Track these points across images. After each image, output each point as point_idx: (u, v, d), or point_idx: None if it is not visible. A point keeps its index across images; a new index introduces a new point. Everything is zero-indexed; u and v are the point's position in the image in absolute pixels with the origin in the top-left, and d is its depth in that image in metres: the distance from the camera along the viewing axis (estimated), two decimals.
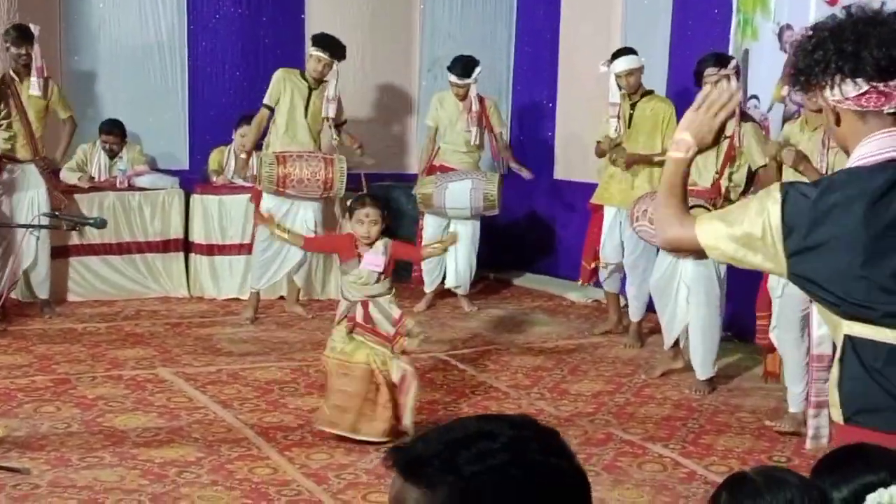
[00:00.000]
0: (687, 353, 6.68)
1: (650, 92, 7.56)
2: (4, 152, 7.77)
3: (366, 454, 5.29)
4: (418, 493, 1.42)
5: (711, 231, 2.60)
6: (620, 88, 7.45)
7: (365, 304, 5.38)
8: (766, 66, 7.40)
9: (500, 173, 8.55)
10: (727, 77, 6.28)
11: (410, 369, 5.45)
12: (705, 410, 6.22)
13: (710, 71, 6.34)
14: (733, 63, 6.37)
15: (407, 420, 5.40)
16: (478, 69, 8.38)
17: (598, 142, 7.69)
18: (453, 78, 8.38)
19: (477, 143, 8.52)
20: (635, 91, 7.48)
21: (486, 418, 1.51)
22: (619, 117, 7.46)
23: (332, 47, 7.97)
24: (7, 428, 5.48)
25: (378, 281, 5.38)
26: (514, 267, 10.00)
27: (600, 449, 5.49)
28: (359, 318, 5.38)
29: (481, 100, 8.52)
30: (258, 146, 8.38)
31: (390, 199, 9.39)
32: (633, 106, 7.51)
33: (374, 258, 5.37)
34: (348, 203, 5.79)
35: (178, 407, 5.97)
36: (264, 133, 8.20)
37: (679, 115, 7.41)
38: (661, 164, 7.43)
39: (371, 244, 5.41)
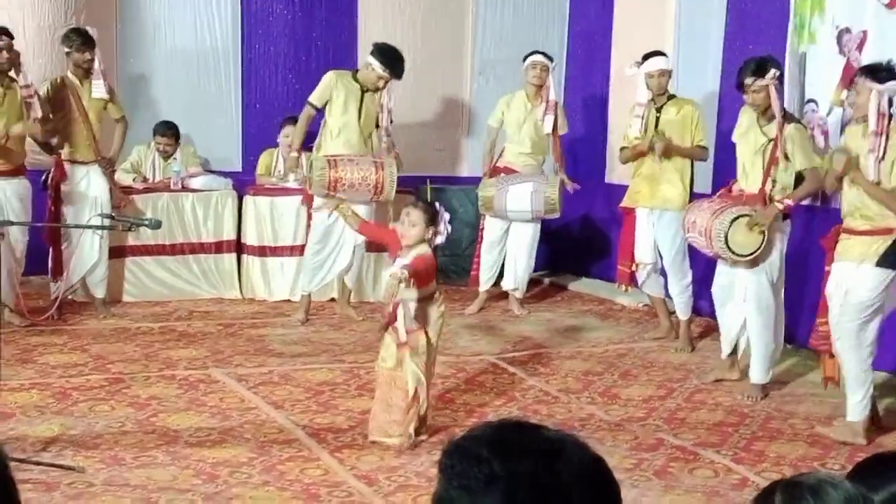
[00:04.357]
0: (746, 358, 6.65)
1: (673, 96, 7.56)
2: (69, 155, 7.88)
3: (417, 457, 5.30)
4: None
5: None
6: (648, 89, 7.45)
7: (396, 304, 5.39)
8: (824, 70, 7.33)
9: (561, 177, 8.55)
10: (767, 87, 6.25)
11: (422, 380, 5.43)
12: (757, 416, 6.17)
13: (748, 81, 6.31)
14: (773, 73, 6.28)
15: (409, 429, 5.42)
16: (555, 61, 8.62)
17: (623, 147, 7.69)
18: (536, 58, 8.45)
19: (550, 131, 8.52)
20: (662, 93, 7.48)
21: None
22: (642, 118, 7.46)
23: (395, 67, 7.94)
24: (62, 426, 5.56)
25: (407, 286, 5.31)
26: (569, 271, 9.99)
27: (651, 454, 5.45)
28: (388, 313, 5.44)
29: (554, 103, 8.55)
30: (307, 147, 8.43)
31: (441, 202, 9.41)
32: (658, 109, 7.50)
33: (401, 261, 5.34)
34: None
35: (230, 407, 6.01)
36: (313, 134, 8.25)
37: (727, 115, 7.42)
38: (691, 156, 7.44)
39: (410, 247, 5.38)
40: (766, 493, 1.81)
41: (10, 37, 7.42)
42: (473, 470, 1.50)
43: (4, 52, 7.35)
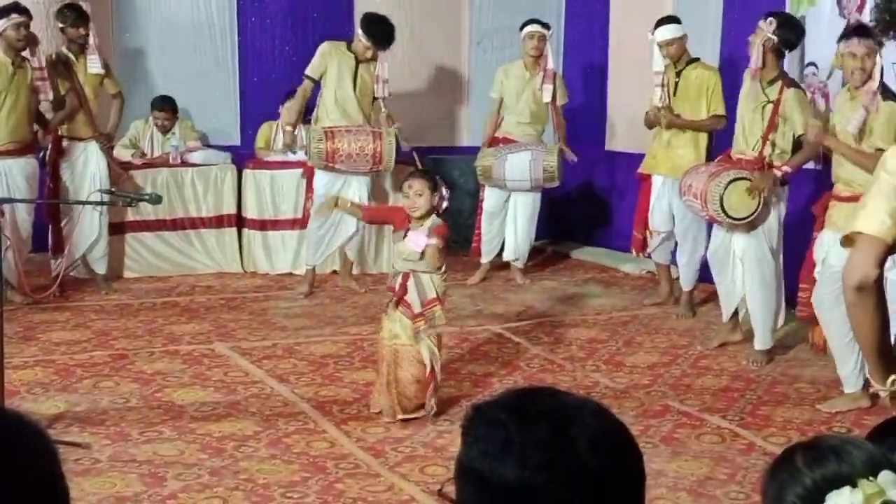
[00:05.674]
0: (746, 323, 6.64)
1: (696, 59, 7.49)
2: (66, 132, 7.84)
3: (423, 427, 5.29)
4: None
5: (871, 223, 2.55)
6: (664, 57, 7.40)
7: (406, 276, 5.35)
8: (825, 33, 7.27)
9: (560, 147, 8.50)
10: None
11: (436, 354, 5.40)
12: (763, 381, 6.17)
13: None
14: (768, 20, 6.31)
15: (431, 402, 5.39)
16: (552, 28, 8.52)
17: (647, 112, 7.64)
18: (533, 28, 8.35)
19: (549, 100, 8.46)
20: (679, 59, 7.43)
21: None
22: (663, 85, 7.42)
23: (379, 37, 7.89)
24: (67, 403, 5.55)
25: (422, 258, 5.32)
26: (570, 239, 9.96)
27: (657, 421, 5.45)
28: (397, 287, 5.36)
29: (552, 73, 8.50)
30: (305, 120, 8.37)
31: (442, 172, 9.38)
32: (678, 74, 7.45)
33: (417, 237, 5.28)
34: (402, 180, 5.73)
35: (235, 381, 6.01)
36: (312, 107, 8.20)
37: (726, 81, 7.38)
38: (702, 129, 7.40)
39: (421, 219, 5.35)
40: (785, 456, 1.79)
41: (30, 17, 7.40)
42: (491, 434, 1.49)
43: (22, 30, 7.32)
